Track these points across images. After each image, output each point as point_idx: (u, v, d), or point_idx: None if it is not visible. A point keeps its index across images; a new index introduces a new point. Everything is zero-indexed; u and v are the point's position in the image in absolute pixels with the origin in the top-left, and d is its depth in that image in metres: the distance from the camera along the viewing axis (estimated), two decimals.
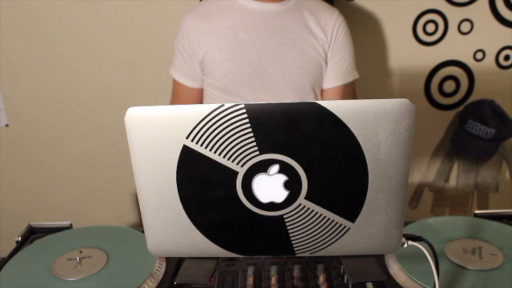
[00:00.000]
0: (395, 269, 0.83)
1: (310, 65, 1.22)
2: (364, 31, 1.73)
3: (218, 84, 1.22)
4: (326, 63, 1.26)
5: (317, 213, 0.56)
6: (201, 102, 1.33)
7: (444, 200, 1.98)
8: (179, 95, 1.32)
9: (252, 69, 1.20)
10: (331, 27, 1.24)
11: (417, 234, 0.63)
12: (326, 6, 1.29)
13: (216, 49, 1.20)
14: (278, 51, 1.20)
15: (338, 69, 1.27)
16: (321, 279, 0.82)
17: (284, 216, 0.57)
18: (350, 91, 1.33)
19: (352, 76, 1.31)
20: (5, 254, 0.93)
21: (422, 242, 0.62)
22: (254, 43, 1.19)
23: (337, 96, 1.29)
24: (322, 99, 1.30)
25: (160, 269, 0.85)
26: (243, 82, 1.21)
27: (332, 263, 0.87)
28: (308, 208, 0.56)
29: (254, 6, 1.21)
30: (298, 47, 1.21)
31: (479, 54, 1.78)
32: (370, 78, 1.79)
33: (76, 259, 0.87)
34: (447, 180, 1.92)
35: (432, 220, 1.00)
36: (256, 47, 1.19)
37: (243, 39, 1.20)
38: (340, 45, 1.26)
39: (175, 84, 1.32)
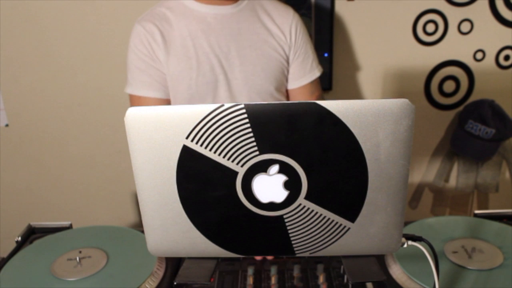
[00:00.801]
0: (395, 269, 0.83)
1: (272, 65, 1.19)
2: (364, 31, 1.73)
3: (182, 96, 1.17)
4: (288, 63, 1.24)
5: (317, 213, 0.56)
6: None
7: (444, 200, 1.98)
8: None
9: (214, 76, 1.16)
10: (288, 26, 1.22)
11: (417, 234, 0.63)
12: (280, 4, 1.26)
13: (175, 59, 1.15)
14: (238, 54, 1.17)
15: (303, 68, 1.25)
16: (321, 279, 0.82)
17: (284, 216, 0.57)
18: (317, 86, 1.31)
19: (318, 70, 1.29)
20: (5, 254, 0.93)
21: (422, 242, 0.62)
22: (214, 49, 1.15)
23: (306, 94, 1.28)
24: (289, 99, 1.29)
25: (160, 269, 0.85)
26: (208, 91, 1.17)
27: (332, 263, 0.87)
28: (308, 208, 0.56)
29: (207, 10, 1.17)
30: (257, 48, 1.18)
31: (479, 54, 1.78)
32: (370, 78, 1.80)
33: (76, 259, 0.87)
34: (447, 180, 1.92)
35: (432, 220, 1.00)
36: (215, 53, 1.15)
37: (201, 46, 1.15)
38: (300, 45, 1.24)
39: (140, 102, 1.19)
